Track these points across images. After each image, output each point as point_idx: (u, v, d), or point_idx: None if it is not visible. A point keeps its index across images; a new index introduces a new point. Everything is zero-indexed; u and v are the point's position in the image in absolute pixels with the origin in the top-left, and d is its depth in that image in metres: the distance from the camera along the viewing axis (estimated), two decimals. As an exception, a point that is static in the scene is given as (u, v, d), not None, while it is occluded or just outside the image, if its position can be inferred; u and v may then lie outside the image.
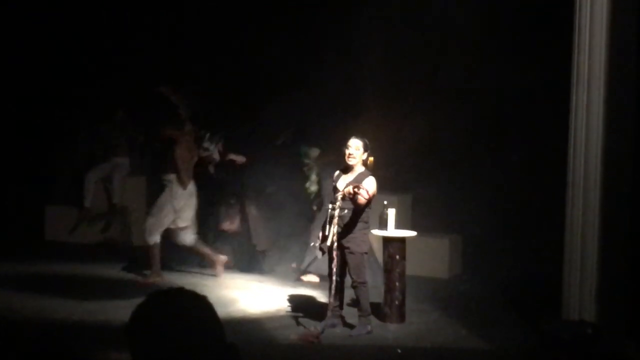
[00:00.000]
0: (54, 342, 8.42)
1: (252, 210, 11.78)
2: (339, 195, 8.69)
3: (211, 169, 11.25)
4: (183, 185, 10.56)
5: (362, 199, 8.61)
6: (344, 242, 8.78)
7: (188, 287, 2.57)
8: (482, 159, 13.10)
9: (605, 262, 8.50)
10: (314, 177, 11.46)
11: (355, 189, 8.58)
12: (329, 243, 8.69)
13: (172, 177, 10.58)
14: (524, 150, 12.87)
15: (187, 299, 2.47)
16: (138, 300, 2.53)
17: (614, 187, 8.49)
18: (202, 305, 2.47)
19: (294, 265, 11.50)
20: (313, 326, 9.02)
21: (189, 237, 10.87)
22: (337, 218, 8.69)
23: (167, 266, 11.22)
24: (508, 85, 12.79)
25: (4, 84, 13.68)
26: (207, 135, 10.94)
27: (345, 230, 8.77)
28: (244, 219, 11.80)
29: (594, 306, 8.50)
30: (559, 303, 8.67)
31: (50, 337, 8.58)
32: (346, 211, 8.73)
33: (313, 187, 11.43)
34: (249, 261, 11.77)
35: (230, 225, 11.77)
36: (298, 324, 9.21)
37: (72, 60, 13.95)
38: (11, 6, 13.71)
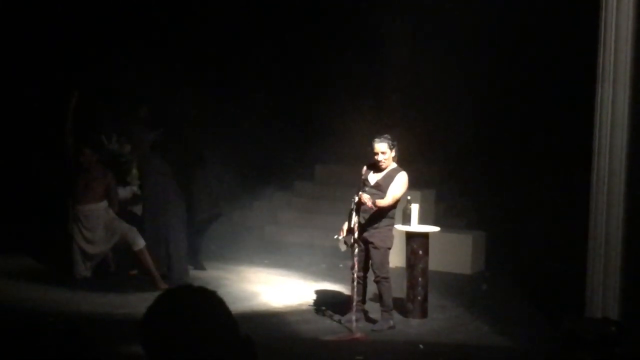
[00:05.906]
0: (78, 335, 8.46)
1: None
2: (365, 197, 8.62)
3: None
4: None
5: (381, 203, 8.63)
6: (369, 236, 8.77)
7: (211, 281, 2.59)
8: (507, 157, 13.06)
9: (629, 260, 8.46)
10: (134, 171, 11.27)
11: (372, 204, 8.58)
12: (356, 235, 8.66)
13: None
14: (548, 148, 12.83)
15: (196, 295, 2.52)
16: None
17: (638, 185, 8.44)
18: (212, 300, 2.51)
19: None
20: (337, 320, 9.06)
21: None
22: (359, 214, 8.68)
23: (190, 260, 11.24)
24: (534, 86, 12.77)
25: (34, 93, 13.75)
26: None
27: (369, 223, 8.75)
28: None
29: (617, 304, 8.46)
30: (582, 301, 8.64)
31: (73, 329, 8.62)
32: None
33: (135, 180, 11.21)
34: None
35: None
36: (322, 316, 9.25)
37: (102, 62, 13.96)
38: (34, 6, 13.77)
